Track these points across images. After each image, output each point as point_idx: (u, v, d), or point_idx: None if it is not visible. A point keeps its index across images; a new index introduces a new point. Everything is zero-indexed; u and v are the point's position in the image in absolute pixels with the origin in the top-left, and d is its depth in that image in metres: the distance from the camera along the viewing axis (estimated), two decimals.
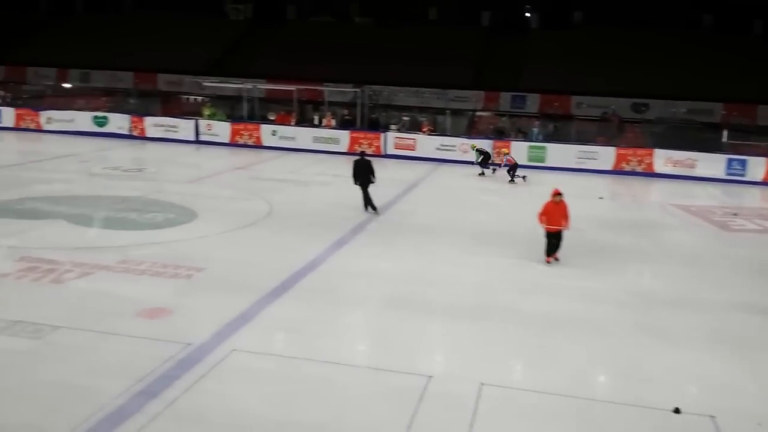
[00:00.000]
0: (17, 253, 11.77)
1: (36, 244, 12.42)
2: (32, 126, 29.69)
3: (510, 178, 22.56)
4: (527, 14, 40.26)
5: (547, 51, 34.57)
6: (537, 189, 22.26)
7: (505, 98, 33.60)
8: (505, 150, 23.79)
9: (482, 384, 7.70)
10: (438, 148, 26.44)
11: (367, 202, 16.71)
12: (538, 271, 12.32)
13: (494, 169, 23.78)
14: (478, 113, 32.20)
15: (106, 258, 11.69)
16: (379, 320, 9.75)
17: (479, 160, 23.89)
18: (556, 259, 12.70)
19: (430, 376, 7.85)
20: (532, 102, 33.25)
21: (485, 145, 25.10)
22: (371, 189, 16.67)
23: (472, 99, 33.44)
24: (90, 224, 14.28)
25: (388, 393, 7.49)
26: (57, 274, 10.82)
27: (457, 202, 19.07)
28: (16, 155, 24.33)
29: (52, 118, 29.59)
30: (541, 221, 12.67)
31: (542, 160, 25.78)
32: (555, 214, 12.56)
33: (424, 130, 27.97)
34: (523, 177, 22.76)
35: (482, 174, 23.74)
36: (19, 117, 30.00)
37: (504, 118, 31.19)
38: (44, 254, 11.72)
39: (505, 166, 22.86)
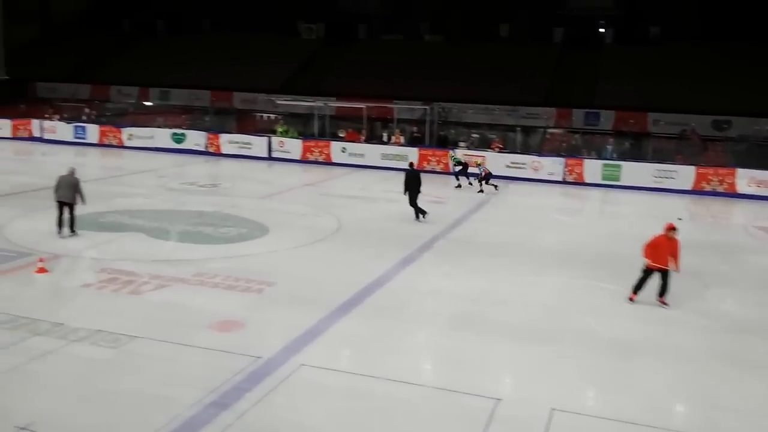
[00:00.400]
0: (99, 264, 12.30)
1: (116, 255, 12.95)
2: (114, 142, 31.11)
3: (480, 189, 22.76)
4: (601, 30, 39.50)
5: (622, 67, 33.77)
6: (609, 209, 21.74)
7: (577, 115, 32.99)
8: (477, 160, 23.97)
9: (553, 409, 7.50)
10: (508, 166, 26.13)
11: (417, 211, 17.34)
12: (612, 293, 11.93)
13: (471, 182, 23.76)
14: (549, 130, 31.71)
15: (182, 271, 12.06)
16: (446, 339, 9.65)
17: (457, 171, 24.12)
18: (665, 304, 11.24)
19: (499, 399, 7.70)
20: (606, 119, 32.50)
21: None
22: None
23: (544, 116, 33.00)
24: (167, 238, 14.79)
25: (455, 414, 7.39)
26: (135, 285, 11.22)
27: (528, 221, 18.76)
28: (99, 170, 25.49)
29: (133, 134, 30.95)
30: (646, 255, 11.24)
31: (617, 178, 25.09)
32: (663, 250, 11.16)
33: (493, 147, 27.74)
34: (495, 186, 23.01)
35: (459, 186, 23.68)
36: (102, 133, 31.50)
37: (576, 135, 30.59)
38: (124, 266, 12.20)
39: (475, 175, 23.28)
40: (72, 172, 14.53)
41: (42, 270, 11.62)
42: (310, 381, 8.05)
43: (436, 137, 29.59)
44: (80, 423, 6.93)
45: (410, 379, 8.14)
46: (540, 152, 27.74)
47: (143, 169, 24.81)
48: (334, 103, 31.65)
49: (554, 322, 10.38)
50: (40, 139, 31.83)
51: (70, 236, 14.13)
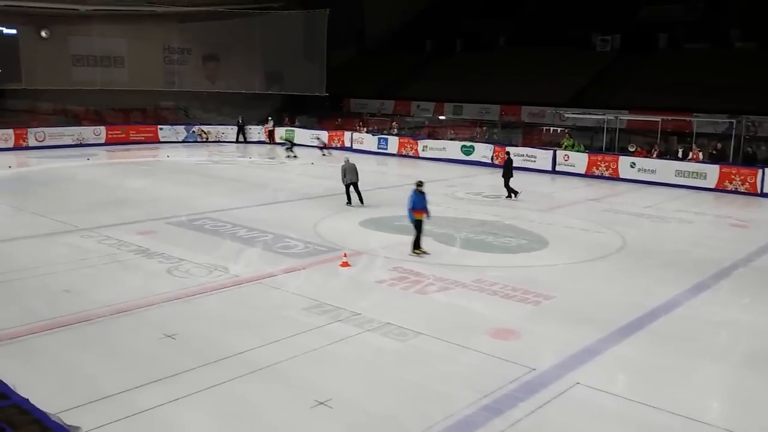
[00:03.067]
0: (391, 263, 13.52)
1: (407, 257, 14.07)
2: (411, 153, 33.68)
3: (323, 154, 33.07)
4: None
5: None
6: None
7: None
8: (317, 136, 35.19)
9: None
10: None
11: (509, 191, 21.59)
12: None
13: (296, 156, 32.46)
14: None
15: (464, 276, 12.69)
16: (740, 378, 8.74)
17: (286, 147, 33.37)
18: None
19: None
20: None
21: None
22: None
23: None
24: (452, 243, 15.62)
25: None
26: (422, 285, 12.12)
27: None
28: (396, 178, 27.73)
29: (428, 146, 33.20)
30: None
31: None
32: None
33: None
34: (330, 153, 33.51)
35: (294, 157, 32.06)
36: (401, 145, 34.35)
37: None
38: (413, 266, 13.24)
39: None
40: (348, 160, 20.06)
41: (345, 264, 13.17)
42: (585, 401, 7.93)
43: (741, 154, 26.54)
44: (367, 406, 7.73)
45: (696, 416, 7.56)
46: None
47: (434, 179, 26.26)
48: (626, 116, 30.25)
49: None
50: (350, 149, 35.79)
51: (360, 206, 19.38)
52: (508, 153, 23.92)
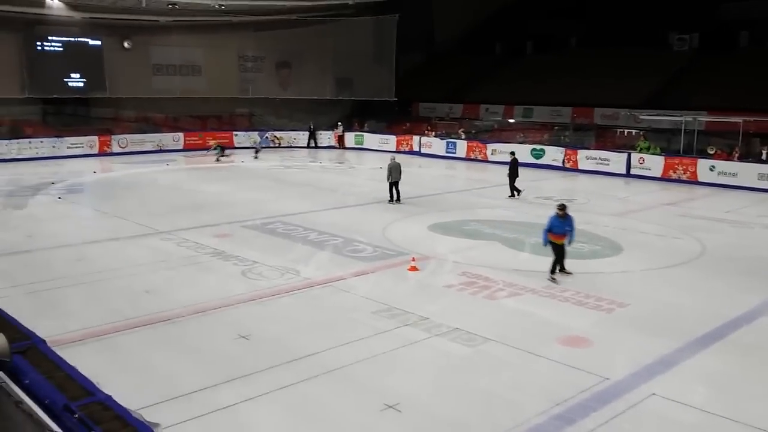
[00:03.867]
0: (460, 267, 13.47)
1: (475, 261, 14.00)
2: (479, 157, 33.43)
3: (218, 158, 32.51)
4: None
5: None
6: None
7: None
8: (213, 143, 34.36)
9: None
10: None
11: (513, 190, 21.84)
12: None
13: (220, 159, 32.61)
14: None
15: (533, 281, 12.52)
16: None
17: (217, 152, 33.00)
18: None
19: None
20: None
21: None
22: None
23: None
24: (521, 248, 15.42)
25: None
26: (491, 291, 12.03)
27: None
28: (464, 182, 27.64)
29: (497, 149, 32.83)
30: None
31: None
32: None
33: None
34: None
35: (218, 160, 32.28)
36: (469, 148, 34.14)
37: None
38: (481, 271, 13.15)
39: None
40: (394, 158, 21.15)
41: (414, 268, 13.22)
42: (661, 413, 7.69)
43: None
44: (436, 411, 7.72)
45: None
46: None
47: (503, 183, 26.09)
48: (705, 118, 29.11)
49: None
50: (419, 153, 35.87)
51: (398, 203, 20.36)
52: (513, 153, 24.12)
